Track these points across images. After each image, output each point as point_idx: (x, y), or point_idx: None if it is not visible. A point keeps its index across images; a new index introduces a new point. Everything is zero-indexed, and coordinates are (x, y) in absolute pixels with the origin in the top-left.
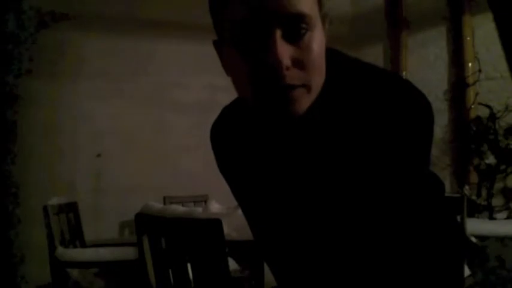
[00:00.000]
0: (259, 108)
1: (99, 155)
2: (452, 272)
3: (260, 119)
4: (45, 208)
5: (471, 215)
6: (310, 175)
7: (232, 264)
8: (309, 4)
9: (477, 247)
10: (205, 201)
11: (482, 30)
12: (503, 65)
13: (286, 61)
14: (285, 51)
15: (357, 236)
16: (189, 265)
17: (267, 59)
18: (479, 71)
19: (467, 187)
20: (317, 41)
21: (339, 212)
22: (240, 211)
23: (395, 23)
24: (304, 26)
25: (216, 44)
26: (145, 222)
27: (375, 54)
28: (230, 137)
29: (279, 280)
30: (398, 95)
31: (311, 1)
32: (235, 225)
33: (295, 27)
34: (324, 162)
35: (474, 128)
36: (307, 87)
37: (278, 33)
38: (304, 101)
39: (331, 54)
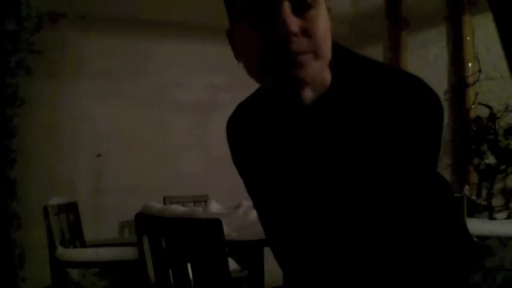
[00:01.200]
0: (268, 79)
1: (99, 155)
2: (456, 270)
3: (274, 105)
4: (45, 208)
5: (471, 215)
6: (321, 164)
7: (232, 264)
8: None
9: (480, 247)
10: (205, 201)
11: (482, 30)
12: (503, 65)
13: (294, 28)
14: (292, 20)
15: (363, 228)
16: (189, 265)
17: (276, 28)
18: (479, 71)
19: (467, 187)
20: (322, 16)
21: (347, 204)
22: (240, 211)
23: (396, 23)
24: (310, 1)
25: (229, 33)
26: (145, 222)
27: (375, 54)
28: (247, 129)
29: (288, 275)
30: (409, 89)
31: None
32: (235, 225)
33: (302, 1)
34: (333, 151)
35: (474, 128)
36: (314, 53)
37: (286, 5)
38: (312, 67)
39: (336, 47)
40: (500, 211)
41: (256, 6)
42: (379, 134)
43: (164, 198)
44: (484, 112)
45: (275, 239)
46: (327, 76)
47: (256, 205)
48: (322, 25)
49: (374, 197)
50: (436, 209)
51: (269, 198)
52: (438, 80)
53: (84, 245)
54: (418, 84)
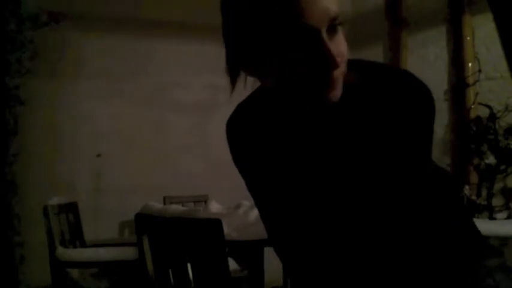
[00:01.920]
0: (304, 96)
1: (99, 155)
2: (463, 261)
3: (292, 108)
4: (45, 208)
5: (471, 215)
6: (337, 160)
7: (232, 264)
8: (337, 4)
9: (486, 240)
10: (205, 201)
11: (482, 30)
12: (503, 65)
13: (338, 59)
14: (334, 50)
15: (371, 224)
16: (189, 265)
17: (321, 56)
18: (479, 71)
19: (467, 187)
20: (343, 35)
21: (359, 200)
22: (240, 211)
23: (395, 23)
24: (337, 23)
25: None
26: (145, 222)
27: (375, 54)
28: (250, 128)
29: (291, 273)
30: (407, 86)
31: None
32: (235, 225)
33: (333, 26)
34: (347, 149)
35: (474, 128)
36: (343, 72)
37: (324, 33)
38: (340, 84)
39: None
40: (500, 211)
41: (296, 34)
42: (385, 132)
43: (164, 198)
44: (484, 112)
45: (279, 236)
46: None
47: (259, 204)
48: (345, 42)
49: (385, 192)
50: (439, 200)
51: (276, 195)
52: (438, 80)
53: (84, 245)
54: (412, 81)
